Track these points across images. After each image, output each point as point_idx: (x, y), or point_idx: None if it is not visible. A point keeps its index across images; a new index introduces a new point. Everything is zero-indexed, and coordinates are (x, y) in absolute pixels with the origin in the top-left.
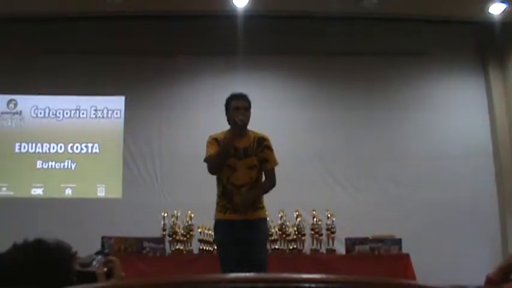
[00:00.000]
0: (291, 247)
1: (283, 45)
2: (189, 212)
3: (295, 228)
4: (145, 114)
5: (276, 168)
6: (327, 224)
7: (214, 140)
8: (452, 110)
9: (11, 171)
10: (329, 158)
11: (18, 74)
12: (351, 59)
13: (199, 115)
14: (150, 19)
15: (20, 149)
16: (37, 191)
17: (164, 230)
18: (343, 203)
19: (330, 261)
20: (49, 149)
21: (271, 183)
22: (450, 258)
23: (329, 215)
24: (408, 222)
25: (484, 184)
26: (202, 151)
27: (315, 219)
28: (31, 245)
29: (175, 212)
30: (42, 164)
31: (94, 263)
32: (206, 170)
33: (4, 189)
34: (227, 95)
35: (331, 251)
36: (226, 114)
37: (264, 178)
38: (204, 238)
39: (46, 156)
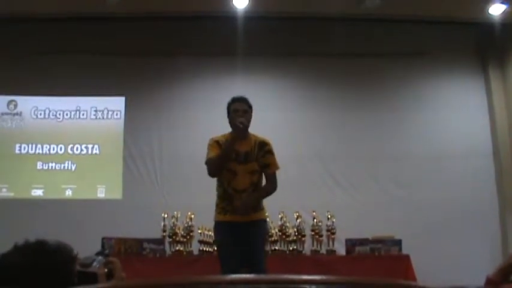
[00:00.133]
0: (291, 248)
1: (283, 47)
2: (189, 213)
3: (296, 229)
4: (146, 115)
5: (277, 171)
6: (327, 225)
7: (215, 143)
8: (453, 111)
9: (11, 172)
10: (329, 159)
11: (18, 75)
12: (352, 60)
13: (200, 116)
14: (150, 20)
15: (20, 150)
16: (37, 192)
17: (164, 231)
18: (343, 203)
19: (330, 262)
20: (49, 150)
21: (272, 187)
22: (450, 258)
23: (329, 216)
24: (408, 223)
25: (484, 184)
26: (202, 152)
27: (315, 220)
28: (32, 246)
29: (175, 213)
30: (42, 165)
31: (95, 263)
32: (206, 171)
33: (4, 190)
34: (227, 96)
35: (332, 252)
36: (228, 117)
37: (264, 181)
38: (204, 239)
39: (46, 157)
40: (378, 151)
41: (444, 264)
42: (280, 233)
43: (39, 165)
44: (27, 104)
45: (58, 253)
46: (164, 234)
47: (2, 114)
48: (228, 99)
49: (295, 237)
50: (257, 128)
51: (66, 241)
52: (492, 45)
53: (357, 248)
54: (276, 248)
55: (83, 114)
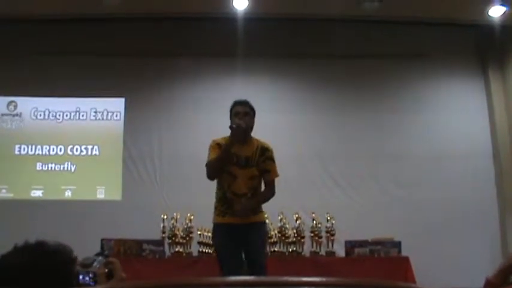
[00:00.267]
0: (290, 249)
1: (283, 48)
2: (188, 214)
3: (295, 231)
4: (145, 116)
5: (277, 179)
6: (326, 227)
7: (216, 145)
8: (453, 112)
9: (11, 173)
10: (329, 160)
11: (18, 76)
12: (352, 62)
13: (199, 117)
14: (150, 21)
15: (19, 151)
16: (37, 193)
17: (164, 232)
18: (343, 204)
19: (330, 264)
20: (49, 151)
21: (270, 193)
22: (450, 258)
23: (329, 218)
24: (408, 223)
25: (484, 185)
26: (202, 153)
27: (314, 221)
28: (32, 247)
29: (174, 214)
30: (42, 166)
31: (95, 264)
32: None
33: (4, 191)
34: (227, 97)
35: (331, 254)
36: (230, 121)
37: (263, 187)
38: (204, 240)
39: (46, 158)
40: (378, 152)
41: (444, 264)
42: (279, 235)
43: (38, 166)
44: (27, 104)
45: (58, 254)
46: (164, 235)
47: (2, 115)
48: (228, 100)
49: (294, 239)
50: (257, 129)
51: (65, 242)
52: (492, 47)
53: (356, 250)
54: (276, 249)
55: (83, 115)
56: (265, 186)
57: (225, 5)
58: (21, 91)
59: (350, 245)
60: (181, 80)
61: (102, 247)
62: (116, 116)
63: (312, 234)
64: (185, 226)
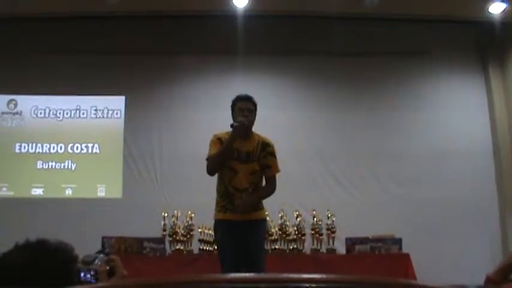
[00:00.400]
0: (291, 247)
1: (283, 45)
2: (189, 212)
3: (296, 228)
4: (146, 114)
5: (277, 174)
6: (327, 224)
7: (217, 140)
8: (453, 110)
9: (11, 171)
10: (329, 158)
11: (18, 74)
12: (352, 59)
13: (200, 115)
14: (150, 19)
15: (20, 149)
16: (37, 191)
17: (164, 230)
18: (344, 202)
19: (330, 261)
20: (49, 149)
21: (271, 189)
22: (450, 256)
23: (329, 215)
24: (408, 221)
25: (484, 183)
26: (202, 151)
27: (315, 219)
28: (33, 245)
29: (175, 212)
30: (42, 164)
31: (96, 261)
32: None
33: (4, 189)
34: (227, 94)
35: (332, 251)
36: (232, 115)
37: (264, 182)
38: (204, 238)
39: (46, 157)
40: (378, 150)
41: (444, 262)
42: (280, 232)
43: (39, 164)
44: (28, 103)
45: (59, 252)
46: (164, 233)
47: (2, 113)
48: (228, 97)
49: (295, 236)
50: (257, 126)
51: (66, 240)
52: (492, 44)
53: (357, 247)
54: (276, 246)
55: (83, 114)
56: (266, 181)
57: (225, 2)
58: (22, 89)
59: (351, 242)
60: (182, 78)
61: (102, 245)
62: (117, 114)
63: (313, 232)
64: (186, 224)
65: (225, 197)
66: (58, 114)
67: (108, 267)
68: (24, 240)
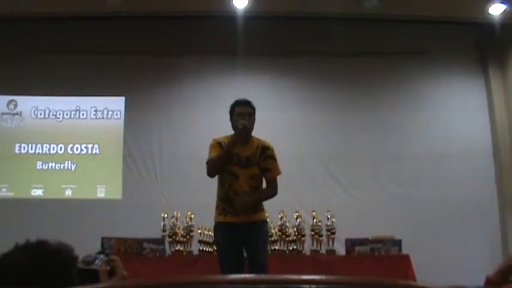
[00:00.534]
0: (291, 248)
1: (282, 46)
2: (189, 213)
3: (295, 229)
4: (146, 115)
5: (278, 177)
6: (327, 225)
7: (217, 144)
8: (453, 110)
9: (11, 172)
10: (329, 158)
11: (18, 75)
12: (352, 60)
13: (200, 116)
14: (150, 19)
15: (20, 149)
16: (37, 192)
17: (164, 231)
18: (344, 202)
19: (330, 262)
20: (49, 149)
21: (272, 191)
22: (450, 257)
23: (329, 216)
24: (408, 222)
25: (484, 184)
26: (202, 152)
27: (314, 220)
28: (33, 246)
29: (175, 213)
30: (42, 164)
31: (97, 261)
32: (206, 171)
33: (4, 190)
34: (227, 95)
35: (331, 252)
36: (231, 120)
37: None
38: (204, 239)
39: (46, 157)
40: (378, 150)
41: (444, 262)
42: (280, 233)
43: (39, 165)
44: (27, 103)
45: (59, 253)
46: (164, 234)
47: (2, 114)
48: (228, 98)
49: (295, 237)
50: (257, 126)
51: (66, 241)
52: (492, 45)
53: (357, 248)
54: (276, 247)
55: (83, 114)
56: (267, 184)
57: (225, 3)
58: (22, 90)
59: (350, 243)
60: (182, 78)
61: (102, 246)
62: (116, 114)
63: (313, 233)
64: (186, 225)
65: (225, 200)
66: (58, 115)
67: (108, 268)
68: (24, 240)
